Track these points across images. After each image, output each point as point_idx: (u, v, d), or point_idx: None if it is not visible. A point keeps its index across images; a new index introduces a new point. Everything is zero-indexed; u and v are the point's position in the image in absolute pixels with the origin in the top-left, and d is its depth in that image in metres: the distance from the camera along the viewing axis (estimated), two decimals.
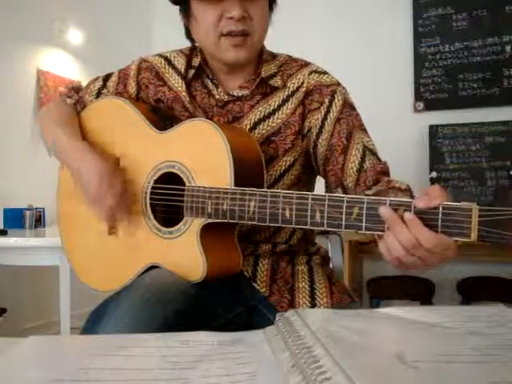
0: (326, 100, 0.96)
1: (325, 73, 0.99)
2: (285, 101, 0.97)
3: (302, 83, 0.98)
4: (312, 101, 0.97)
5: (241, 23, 0.89)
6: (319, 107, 0.96)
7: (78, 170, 0.93)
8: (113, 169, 0.93)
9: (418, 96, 3.25)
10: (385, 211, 0.66)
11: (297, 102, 0.97)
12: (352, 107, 0.97)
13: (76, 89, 1.12)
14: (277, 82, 0.98)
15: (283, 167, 0.96)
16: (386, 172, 0.91)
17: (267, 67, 0.99)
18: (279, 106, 0.97)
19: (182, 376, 0.40)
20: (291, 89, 0.98)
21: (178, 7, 1.00)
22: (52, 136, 1.00)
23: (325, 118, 0.95)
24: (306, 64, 1.01)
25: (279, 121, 0.97)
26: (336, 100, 0.96)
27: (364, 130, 0.96)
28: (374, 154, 0.94)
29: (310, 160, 0.99)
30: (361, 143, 0.93)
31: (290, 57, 1.04)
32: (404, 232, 0.65)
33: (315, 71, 0.99)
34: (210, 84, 1.00)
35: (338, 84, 0.99)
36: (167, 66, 1.04)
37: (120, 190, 0.92)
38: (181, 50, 1.06)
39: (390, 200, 0.67)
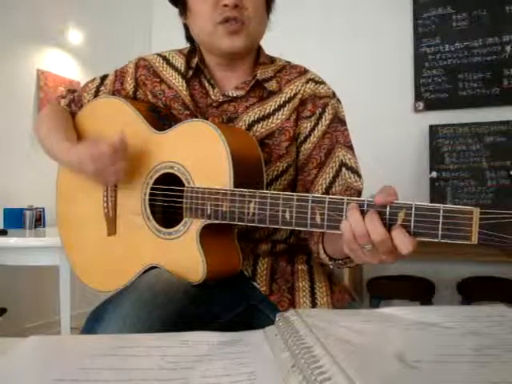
0: (317, 112, 0.97)
1: (321, 82, 1.00)
2: (281, 106, 0.98)
3: (299, 91, 0.98)
4: (305, 109, 0.97)
5: (235, 11, 0.91)
6: (310, 116, 0.97)
7: (73, 161, 0.93)
8: (96, 139, 0.92)
9: (418, 96, 3.25)
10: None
11: (292, 108, 0.97)
12: (341, 122, 0.98)
13: (72, 90, 1.13)
14: (272, 85, 0.98)
15: (275, 172, 0.96)
16: (358, 194, 0.92)
17: (263, 70, 0.99)
18: (275, 111, 0.97)
19: (182, 376, 0.40)
20: (288, 95, 0.98)
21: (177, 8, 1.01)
22: (49, 148, 1.02)
23: (312, 129, 0.96)
24: (305, 71, 1.02)
25: (273, 125, 0.97)
26: (326, 113, 0.97)
27: (348, 147, 0.96)
28: (353, 171, 0.93)
29: None
30: (337, 162, 0.93)
31: (288, 63, 1.04)
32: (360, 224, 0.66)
33: (312, 80, 0.99)
34: (206, 84, 1.00)
35: (333, 96, 0.99)
36: (165, 65, 1.04)
37: (108, 146, 0.88)
38: (179, 50, 1.06)
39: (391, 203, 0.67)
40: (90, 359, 0.44)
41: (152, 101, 1.04)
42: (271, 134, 0.96)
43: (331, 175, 0.93)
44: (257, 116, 0.97)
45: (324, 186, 0.92)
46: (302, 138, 0.97)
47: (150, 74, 1.04)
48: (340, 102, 1.00)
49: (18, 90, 2.97)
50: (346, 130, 0.98)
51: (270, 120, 0.97)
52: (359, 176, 0.94)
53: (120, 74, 1.07)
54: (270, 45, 1.04)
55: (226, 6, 0.90)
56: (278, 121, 0.97)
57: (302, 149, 0.97)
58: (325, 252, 0.85)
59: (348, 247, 0.70)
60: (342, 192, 0.91)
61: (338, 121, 0.97)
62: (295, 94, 0.98)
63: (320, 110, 0.97)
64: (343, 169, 0.93)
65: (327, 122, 0.96)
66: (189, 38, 1.04)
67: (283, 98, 0.98)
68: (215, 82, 1.00)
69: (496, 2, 3.08)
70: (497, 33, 3.07)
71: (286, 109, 0.97)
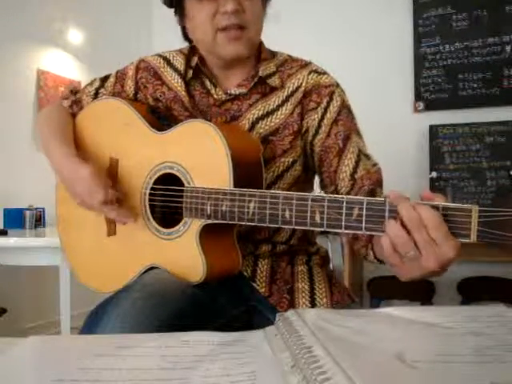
0: (324, 101, 0.95)
1: (324, 73, 0.99)
2: (284, 101, 0.97)
3: (301, 83, 0.97)
4: (310, 101, 0.96)
5: (235, 16, 0.90)
6: (316, 107, 0.95)
7: (64, 178, 0.95)
8: (97, 172, 0.91)
9: (418, 96, 3.25)
10: (392, 192, 0.66)
11: (296, 102, 0.96)
12: (349, 110, 0.97)
13: (74, 91, 1.12)
14: (275, 81, 0.98)
15: (281, 168, 0.96)
16: (380, 181, 0.92)
17: (266, 66, 0.99)
18: (278, 106, 0.97)
19: (182, 376, 0.40)
20: (291, 89, 0.97)
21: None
22: (46, 147, 1.02)
23: (322, 119, 0.95)
24: (306, 64, 1.01)
25: (277, 121, 0.96)
26: (334, 101, 0.95)
27: (359, 135, 0.96)
28: (368, 158, 0.94)
29: (309, 160, 0.99)
30: (356, 147, 0.93)
31: (290, 56, 1.03)
32: (409, 209, 0.63)
33: (315, 71, 0.98)
34: (208, 83, 1.00)
35: (337, 85, 0.98)
36: (166, 66, 1.04)
37: (104, 192, 0.89)
38: (180, 50, 1.06)
39: (389, 200, 0.67)
40: (90, 359, 0.44)
41: (153, 103, 1.03)
42: (275, 130, 0.96)
43: (353, 160, 0.92)
44: (260, 113, 0.97)
45: (349, 172, 0.91)
46: (313, 131, 0.95)
47: (151, 76, 1.04)
48: (344, 92, 0.99)
49: (18, 90, 2.97)
50: (354, 117, 0.97)
51: (274, 116, 0.96)
52: (374, 164, 0.94)
53: (121, 76, 1.07)
54: (269, 43, 1.04)
55: (225, 12, 0.89)
56: (282, 116, 0.96)
57: (316, 141, 0.95)
58: (374, 256, 0.84)
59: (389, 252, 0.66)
60: (365, 177, 0.91)
61: (347, 108, 0.97)
62: (298, 87, 0.97)
63: (327, 98, 0.95)
64: (361, 156, 0.93)
65: (336, 109, 0.95)
66: (186, 37, 1.03)
67: (286, 93, 0.97)
68: (216, 80, 1.00)
69: (496, 2, 3.08)
70: (497, 33, 3.08)
71: (289, 103, 0.97)
